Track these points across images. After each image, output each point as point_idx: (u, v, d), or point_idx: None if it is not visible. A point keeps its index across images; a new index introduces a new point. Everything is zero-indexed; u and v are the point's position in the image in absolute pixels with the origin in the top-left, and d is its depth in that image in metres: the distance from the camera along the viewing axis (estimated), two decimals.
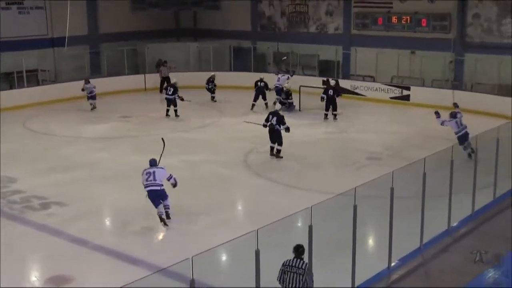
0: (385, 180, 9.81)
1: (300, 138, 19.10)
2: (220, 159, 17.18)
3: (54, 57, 27.75)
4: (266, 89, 23.97)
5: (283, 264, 7.93)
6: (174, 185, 12.88)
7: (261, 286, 7.89)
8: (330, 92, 21.70)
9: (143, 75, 28.18)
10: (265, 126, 17.16)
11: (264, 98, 24.02)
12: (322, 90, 22.78)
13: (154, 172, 12.50)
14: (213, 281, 9.53)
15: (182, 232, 12.27)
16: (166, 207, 12.55)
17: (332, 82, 22.93)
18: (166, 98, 22.60)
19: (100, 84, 26.72)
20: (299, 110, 23.26)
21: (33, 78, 26.32)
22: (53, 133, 20.55)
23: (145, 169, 12.65)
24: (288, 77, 24.11)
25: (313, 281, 8.00)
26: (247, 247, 8.79)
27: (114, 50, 28.78)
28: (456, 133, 16.75)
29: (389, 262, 9.82)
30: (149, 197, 12.47)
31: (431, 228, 10.81)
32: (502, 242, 10.79)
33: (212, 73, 25.65)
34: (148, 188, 12.46)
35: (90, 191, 14.62)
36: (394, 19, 26.36)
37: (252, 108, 23.73)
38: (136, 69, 29.12)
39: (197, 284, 6.85)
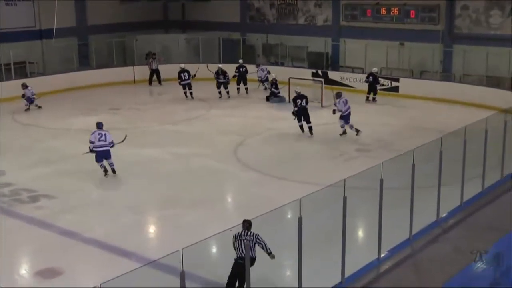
0: (374, 172, 9.83)
1: (289, 130, 19.09)
2: (209, 151, 17.16)
3: (43, 49, 27.59)
4: (247, 73, 25.24)
5: (233, 236, 8.87)
6: (112, 146, 14.99)
7: (250, 276, 7.90)
8: (370, 78, 23.45)
9: (132, 67, 28.04)
10: (295, 112, 18.74)
11: (245, 83, 25.16)
12: (312, 81, 23.06)
13: (105, 134, 14.79)
14: (204, 273, 9.53)
15: (172, 224, 12.25)
16: (111, 164, 14.86)
17: (374, 70, 23.75)
18: (183, 84, 24.11)
19: (88, 76, 26.74)
20: (289, 101, 23.21)
21: (21, 70, 26.14)
22: (42, 126, 20.45)
23: (96, 131, 14.77)
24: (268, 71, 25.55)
25: (266, 244, 8.89)
26: None
27: (102, 42, 28.64)
28: (344, 112, 18.24)
29: (379, 253, 9.85)
30: (98, 155, 14.70)
31: (420, 219, 10.85)
32: (490, 232, 10.85)
33: (220, 65, 24.89)
34: (102, 149, 14.69)
35: (79, 184, 14.55)
36: (383, 11, 26.38)
37: (238, 92, 24.98)
38: (125, 61, 28.97)
39: (188, 276, 6.84)
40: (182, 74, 24.19)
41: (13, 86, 23.08)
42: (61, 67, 27.07)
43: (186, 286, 6.83)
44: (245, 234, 8.88)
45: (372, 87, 23.61)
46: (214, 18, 31.51)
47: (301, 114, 18.72)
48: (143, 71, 27.57)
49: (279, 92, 23.55)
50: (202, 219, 12.36)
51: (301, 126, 18.81)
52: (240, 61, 25.88)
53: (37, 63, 27.32)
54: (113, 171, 14.96)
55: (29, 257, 11.23)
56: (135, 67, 28.04)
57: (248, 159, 16.45)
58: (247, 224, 8.91)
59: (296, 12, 29.41)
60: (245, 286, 8.32)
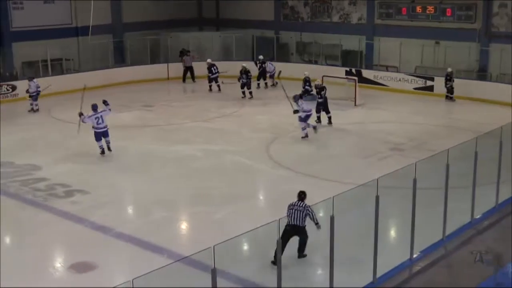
0: (408, 171, 9.73)
1: (322, 128, 19.02)
2: (241, 149, 17.19)
3: (78, 46, 27.95)
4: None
5: (288, 206, 10.11)
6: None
7: (282, 275, 7.89)
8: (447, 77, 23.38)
9: (166, 65, 28.23)
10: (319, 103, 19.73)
11: (265, 78, 26.04)
12: (345, 79, 23.01)
13: (101, 116, 16.17)
14: (235, 270, 9.55)
15: (204, 221, 12.31)
16: (108, 142, 16.36)
17: (449, 70, 23.37)
18: (212, 78, 25.18)
19: (123, 73, 27.01)
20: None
21: (57, 67, 26.55)
22: (77, 121, 20.63)
23: (92, 115, 16.14)
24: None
25: (314, 215, 9.89)
26: (268, 237, 8.82)
27: (137, 39, 28.91)
28: (308, 112, 17.94)
29: (411, 253, 9.76)
30: (97, 135, 16.20)
31: (454, 220, 10.71)
32: None
33: (244, 64, 24.65)
34: (99, 130, 16.17)
35: (112, 179, 14.74)
36: (418, 9, 26.11)
37: (258, 87, 25.60)
38: (159, 58, 29.20)
39: (219, 273, 6.87)
40: (212, 68, 25.11)
41: (49, 83, 23.40)
42: (97, 64, 27.41)
43: (218, 283, 6.86)
44: (298, 204, 10.01)
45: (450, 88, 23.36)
46: (248, 16, 31.54)
47: (323, 105, 19.50)
48: (177, 68, 27.73)
49: (312, 90, 23.46)
50: (233, 216, 12.40)
51: (319, 117, 19.53)
52: (261, 57, 26.37)
53: (73, 60, 27.71)
54: (109, 148, 16.41)
55: (63, 251, 11.40)
56: (169, 64, 28.22)
57: (280, 156, 16.44)
58: (302, 195, 10.10)
59: (330, 10, 29.27)
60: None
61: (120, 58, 29.09)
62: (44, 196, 13.62)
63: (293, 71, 26.18)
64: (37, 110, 21.94)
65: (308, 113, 18.00)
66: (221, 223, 12.04)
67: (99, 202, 13.23)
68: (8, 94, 23.38)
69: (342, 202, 9.67)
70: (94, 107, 16.27)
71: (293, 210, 9.97)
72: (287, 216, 9.96)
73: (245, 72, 23.93)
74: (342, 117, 20.84)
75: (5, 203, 13.17)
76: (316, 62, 28.63)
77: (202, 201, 13.27)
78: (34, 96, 21.98)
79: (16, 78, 24.72)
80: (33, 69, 25.54)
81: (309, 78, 23.49)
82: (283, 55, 29.62)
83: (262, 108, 22.45)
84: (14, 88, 23.66)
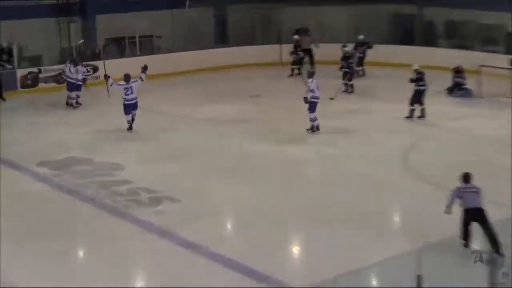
0: None
1: (478, 134, 18.44)
2: (370, 154, 16.99)
3: (172, 20, 28.51)
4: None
5: (458, 188, 11.18)
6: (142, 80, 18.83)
7: None
8: None
9: (278, 46, 28.38)
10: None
11: (362, 65, 26.52)
12: (510, 71, 22.16)
13: (131, 87, 18.31)
14: None
15: (321, 244, 12.10)
16: (134, 115, 18.68)
17: None
18: (296, 59, 26.56)
19: (225, 55, 27.41)
20: (482, 97, 22.46)
21: (147, 44, 27.21)
22: (166, 113, 21.17)
23: (123, 84, 18.43)
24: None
25: None
26: (405, 269, 8.54)
27: (243, 14, 29.20)
28: (315, 98, 18.45)
29: None
30: (126, 108, 18.51)
31: None
32: None
33: (346, 48, 24.54)
34: (128, 102, 18.44)
35: (207, 186, 14.91)
36: None
37: (357, 75, 25.31)
38: (270, 38, 29.36)
39: None
40: (299, 50, 26.51)
41: (136, 64, 24.00)
42: (193, 43, 27.88)
43: None
44: (470, 186, 11.14)
45: None
46: None
47: (419, 96, 20.23)
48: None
49: (465, 84, 22.86)
50: (358, 239, 12.11)
51: (412, 110, 20.26)
52: (361, 37, 26.65)
53: (165, 37, 28.32)
54: (132, 120, 18.65)
55: (145, 271, 11.59)
56: (282, 45, 28.35)
57: (422, 167, 16.03)
58: (469, 176, 11.26)
59: None
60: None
61: (222, 37, 29.48)
62: (125, 202, 13.97)
63: (440, 58, 25.55)
64: (72, 104, 21.79)
65: (314, 100, 18.45)
66: (342, 248, 11.80)
67: (191, 214, 13.39)
68: (89, 77, 23.89)
69: (503, 229, 9.24)
70: (127, 77, 18.44)
71: (468, 193, 10.98)
72: (461, 201, 11.03)
73: (344, 58, 23.78)
74: (505, 120, 20.00)
75: (81, 207, 13.67)
76: (471, 48, 27.74)
77: (318, 218, 13.11)
78: (76, 84, 21.75)
79: (98, 58, 25.27)
80: (118, 47, 26.34)
81: (461, 68, 22.91)
82: (428, 38, 28.91)
83: (399, 105, 21.92)
84: (96, 69, 24.34)
